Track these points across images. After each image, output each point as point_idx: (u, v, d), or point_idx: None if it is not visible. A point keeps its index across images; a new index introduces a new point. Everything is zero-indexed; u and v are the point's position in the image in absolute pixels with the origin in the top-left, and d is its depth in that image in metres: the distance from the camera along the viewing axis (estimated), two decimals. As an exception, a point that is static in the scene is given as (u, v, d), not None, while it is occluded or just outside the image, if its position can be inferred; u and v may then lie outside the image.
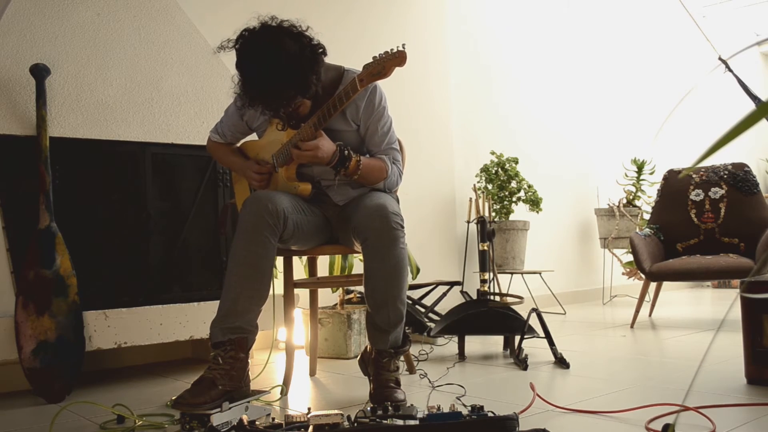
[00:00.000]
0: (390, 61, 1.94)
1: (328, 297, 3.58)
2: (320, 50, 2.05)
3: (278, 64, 1.93)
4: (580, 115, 5.57)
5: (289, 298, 2.42)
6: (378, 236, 2.00)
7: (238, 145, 2.49)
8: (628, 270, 5.19)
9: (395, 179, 2.27)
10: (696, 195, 4.06)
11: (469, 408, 1.71)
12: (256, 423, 1.73)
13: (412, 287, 3.66)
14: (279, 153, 2.24)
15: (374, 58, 1.97)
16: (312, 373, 2.64)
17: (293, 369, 2.40)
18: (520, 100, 5.10)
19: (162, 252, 2.80)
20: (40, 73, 2.50)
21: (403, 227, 2.05)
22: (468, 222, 4.47)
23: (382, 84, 2.19)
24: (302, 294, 2.98)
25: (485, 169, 4.53)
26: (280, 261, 2.58)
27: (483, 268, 3.85)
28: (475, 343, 3.29)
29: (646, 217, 5.01)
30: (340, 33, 3.95)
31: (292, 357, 2.40)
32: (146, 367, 2.97)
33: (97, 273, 2.61)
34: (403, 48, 1.93)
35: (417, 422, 1.62)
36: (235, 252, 2.01)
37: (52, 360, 2.32)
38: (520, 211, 4.67)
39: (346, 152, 2.11)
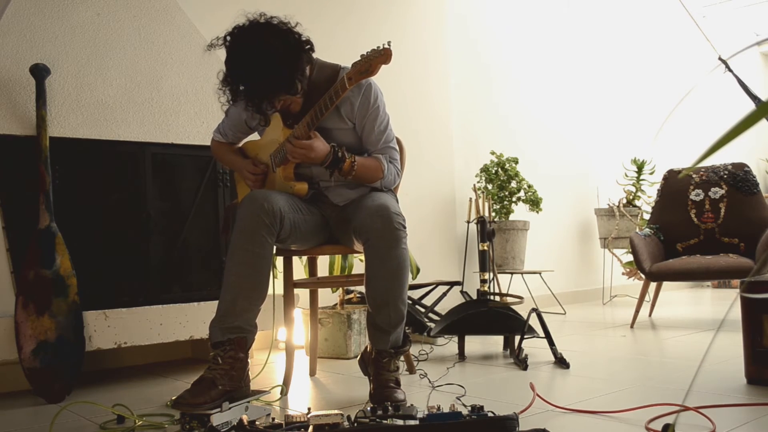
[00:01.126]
0: (376, 59, 1.95)
1: (328, 297, 3.58)
2: (308, 47, 2.07)
3: (264, 61, 1.95)
4: (580, 115, 5.57)
5: (289, 298, 2.42)
6: (380, 236, 2.00)
7: (240, 145, 2.50)
8: (628, 270, 5.19)
9: (392, 178, 2.26)
10: (696, 195, 4.06)
11: (469, 408, 1.71)
12: (256, 423, 1.73)
13: (412, 287, 3.66)
14: (276, 153, 2.24)
15: (362, 56, 1.98)
16: (312, 373, 2.64)
17: (293, 369, 2.40)
18: (520, 100, 5.10)
19: (162, 252, 2.79)
20: (40, 73, 2.50)
21: (405, 227, 2.05)
22: (468, 222, 4.47)
23: (381, 83, 2.19)
24: (302, 294, 2.98)
25: (485, 169, 4.53)
26: (280, 261, 2.58)
27: (483, 268, 3.85)
28: (475, 343, 3.29)
29: (646, 217, 5.00)
30: (341, 33, 3.95)
31: (292, 357, 2.40)
32: (146, 367, 2.97)
33: (97, 273, 2.61)
34: (389, 46, 1.94)
35: (417, 422, 1.62)
36: (233, 252, 2.01)
37: (52, 360, 2.32)
38: (520, 211, 4.67)
39: (340, 154, 2.11)
